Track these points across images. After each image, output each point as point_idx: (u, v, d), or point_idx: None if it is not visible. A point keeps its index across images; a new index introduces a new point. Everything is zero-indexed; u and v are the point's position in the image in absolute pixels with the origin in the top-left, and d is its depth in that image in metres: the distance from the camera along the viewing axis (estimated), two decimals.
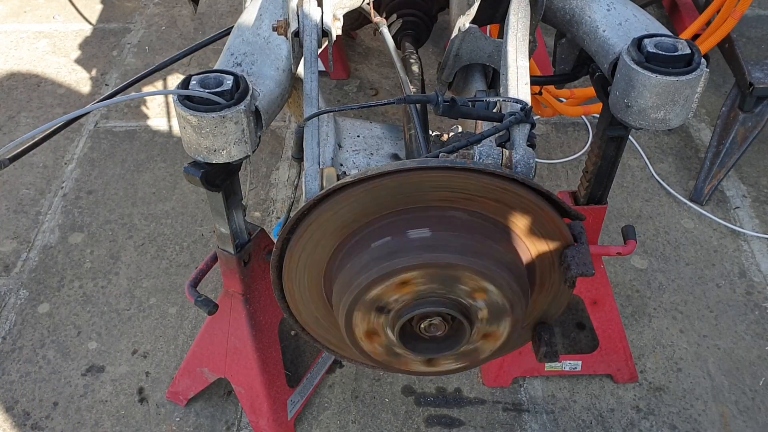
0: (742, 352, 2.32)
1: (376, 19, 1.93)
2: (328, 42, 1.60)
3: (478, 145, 1.34)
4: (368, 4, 1.93)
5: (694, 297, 2.49)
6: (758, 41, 3.64)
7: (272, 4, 1.69)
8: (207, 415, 2.15)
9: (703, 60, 1.47)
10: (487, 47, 1.74)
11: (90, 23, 3.83)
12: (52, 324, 2.39)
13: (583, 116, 3.17)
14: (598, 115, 2.35)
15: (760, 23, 3.76)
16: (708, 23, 2.83)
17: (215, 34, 1.91)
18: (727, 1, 2.68)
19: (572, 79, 1.92)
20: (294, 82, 1.66)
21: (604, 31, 1.64)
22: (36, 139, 1.67)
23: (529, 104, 1.39)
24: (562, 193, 2.01)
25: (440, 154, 1.31)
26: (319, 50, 1.57)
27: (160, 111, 3.25)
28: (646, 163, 2.98)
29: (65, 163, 2.99)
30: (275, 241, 1.34)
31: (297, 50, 1.58)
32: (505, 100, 1.43)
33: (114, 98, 1.87)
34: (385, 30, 1.87)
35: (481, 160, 1.32)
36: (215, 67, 1.49)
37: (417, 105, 1.57)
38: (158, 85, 3.35)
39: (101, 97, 1.70)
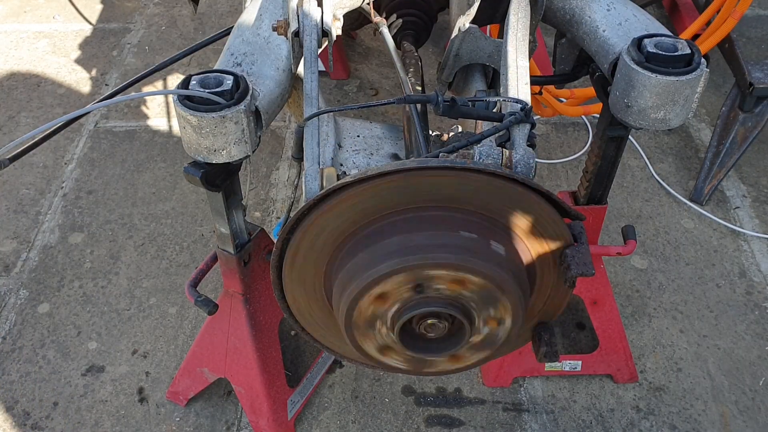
0: (742, 352, 2.32)
1: (376, 19, 1.93)
2: (328, 42, 1.60)
3: (478, 145, 1.34)
4: (368, 4, 1.93)
5: (694, 297, 2.49)
6: (758, 41, 3.64)
7: (272, 4, 1.69)
8: (207, 415, 2.15)
9: (703, 60, 1.47)
10: (487, 47, 1.74)
11: (90, 23, 3.83)
12: (52, 324, 2.39)
13: (583, 116, 3.17)
14: (598, 115, 2.35)
15: (760, 23, 3.76)
16: (708, 23, 2.83)
17: (215, 34, 1.91)
18: (727, 1, 2.68)
19: (572, 79, 1.91)
20: (294, 82, 1.66)
21: (604, 31, 1.64)
22: (36, 139, 1.67)
23: (529, 104, 1.39)
24: (562, 193, 2.01)
25: (440, 154, 1.31)
26: (319, 50, 1.56)
27: (160, 111, 3.25)
28: (646, 163, 2.98)
29: (65, 163, 2.99)
30: (275, 241, 1.34)
31: (297, 50, 1.58)
32: (505, 100, 1.43)
33: (114, 98, 1.87)
34: (385, 30, 1.87)
35: (481, 160, 1.32)
36: (215, 67, 1.49)
37: (417, 105, 1.57)
38: (158, 85, 3.35)
39: (101, 97, 1.70)
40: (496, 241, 1.29)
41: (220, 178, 1.54)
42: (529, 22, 1.63)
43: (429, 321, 1.29)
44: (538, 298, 1.44)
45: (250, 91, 1.42)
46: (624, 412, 2.17)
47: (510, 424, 2.14)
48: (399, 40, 2.09)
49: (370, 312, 1.28)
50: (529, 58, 1.61)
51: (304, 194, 1.33)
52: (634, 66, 1.46)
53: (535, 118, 1.40)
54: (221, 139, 1.40)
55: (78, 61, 3.56)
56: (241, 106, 1.38)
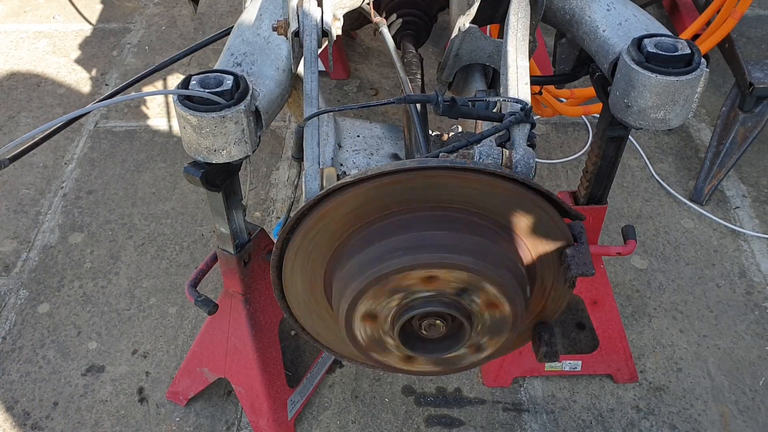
0: (742, 352, 2.32)
1: (376, 19, 1.93)
2: (328, 42, 1.60)
3: (478, 145, 1.34)
4: (368, 4, 1.93)
5: (694, 297, 2.49)
6: (758, 41, 3.64)
7: (272, 4, 1.69)
8: (207, 415, 2.15)
9: (703, 60, 1.47)
10: (487, 47, 1.74)
11: (90, 23, 3.83)
12: (52, 324, 2.39)
13: (583, 116, 3.17)
14: (598, 115, 2.35)
15: (760, 23, 3.76)
16: (708, 23, 2.83)
17: (215, 34, 1.91)
18: (727, 1, 2.68)
19: (572, 79, 1.91)
20: (294, 82, 1.66)
21: (604, 31, 1.64)
22: (36, 139, 1.67)
23: (529, 104, 1.39)
24: (562, 193, 2.01)
25: (440, 154, 1.31)
26: (319, 50, 1.56)
27: (160, 111, 3.25)
28: (646, 163, 2.98)
29: (65, 163, 2.99)
30: (275, 241, 1.34)
31: (297, 50, 1.58)
32: (505, 100, 1.43)
33: (114, 98, 1.87)
34: (385, 30, 1.87)
35: (481, 160, 1.32)
36: (215, 67, 1.49)
37: (417, 105, 1.57)
38: (158, 85, 3.35)
39: (101, 97, 1.70)
40: (497, 241, 1.29)
41: (220, 178, 1.54)
42: (529, 22, 1.63)
43: (432, 321, 1.30)
44: (538, 298, 1.44)
45: (250, 91, 1.42)
46: (624, 412, 2.17)
47: (510, 424, 2.14)
48: (399, 40, 2.09)
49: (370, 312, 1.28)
50: (529, 58, 1.61)
51: (304, 194, 1.33)
52: (634, 66, 1.46)
53: (535, 118, 1.40)
54: (221, 139, 1.40)
55: (78, 61, 3.56)
56: (241, 106, 1.38)
